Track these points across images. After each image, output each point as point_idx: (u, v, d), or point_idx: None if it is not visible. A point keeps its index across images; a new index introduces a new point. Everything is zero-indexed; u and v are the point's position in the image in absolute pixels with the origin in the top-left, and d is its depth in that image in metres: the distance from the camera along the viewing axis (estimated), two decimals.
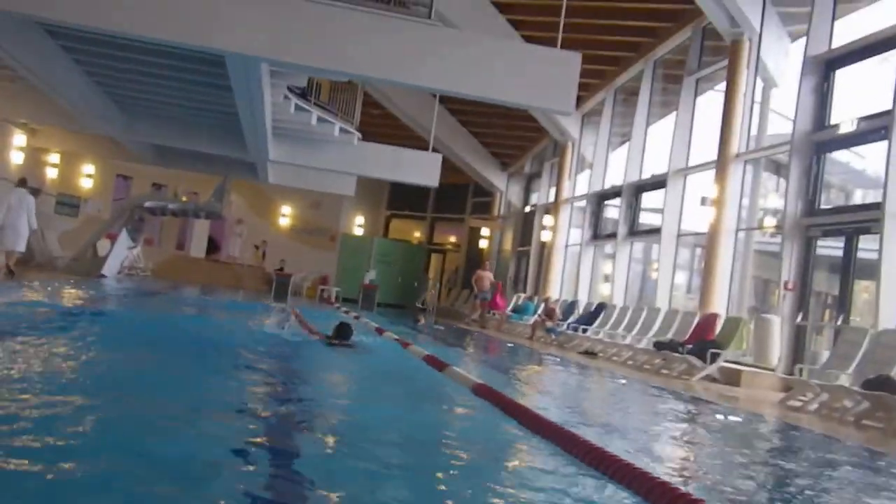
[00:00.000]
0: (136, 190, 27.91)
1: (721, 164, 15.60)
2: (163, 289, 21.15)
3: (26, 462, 3.32)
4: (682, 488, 4.05)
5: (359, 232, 34.13)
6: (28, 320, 8.96)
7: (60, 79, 17.22)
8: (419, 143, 23.85)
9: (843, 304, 12.60)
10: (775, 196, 16.12)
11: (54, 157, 27.08)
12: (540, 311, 20.82)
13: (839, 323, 12.33)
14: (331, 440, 4.89)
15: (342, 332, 10.16)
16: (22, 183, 17.11)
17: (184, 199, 25.09)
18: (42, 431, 3.88)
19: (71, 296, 14.12)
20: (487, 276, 23.58)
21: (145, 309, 14.71)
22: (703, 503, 3.71)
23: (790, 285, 13.32)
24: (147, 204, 22.99)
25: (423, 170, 22.21)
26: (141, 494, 3.24)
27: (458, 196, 32.79)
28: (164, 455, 3.84)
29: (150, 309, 14.91)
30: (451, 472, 4.53)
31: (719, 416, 8.88)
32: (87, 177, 28.72)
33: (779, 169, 15.76)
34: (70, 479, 3.28)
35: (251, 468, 3.96)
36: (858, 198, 15.07)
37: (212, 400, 5.67)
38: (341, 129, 20.71)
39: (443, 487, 4.11)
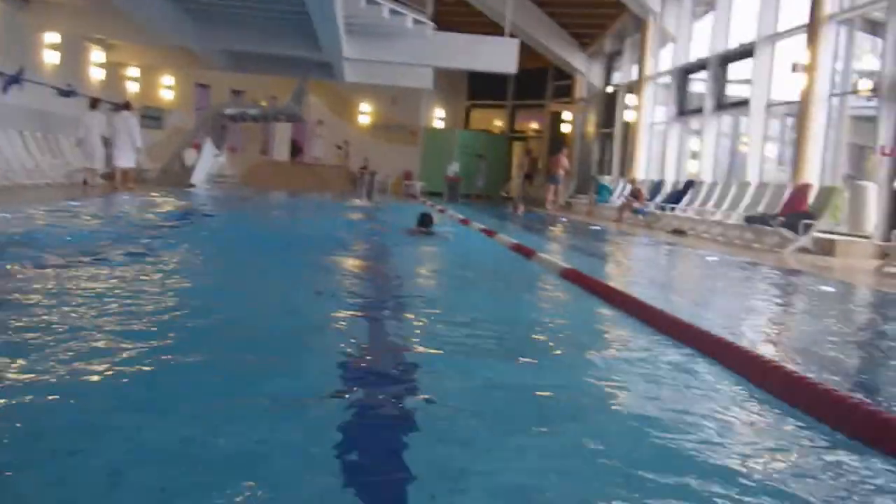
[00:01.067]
0: (216, 98, 28.21)
1: (812, 27, 14.81)
2: (254, 194, 21.62)
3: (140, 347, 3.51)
4: (777, 360, 4.01)
5: (440, 125, 33.92)
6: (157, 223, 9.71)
7: None
8: (495, 30, 23.30)
9: None
10: (871, 57, 15.25)
11: (133, 71, 27.49)
12: (626, 193, 20.57)
13: None
14: (424, 321, 5.10)
15: (424, 222, 10.71)
16: (126, 106, 18.86)
17: (263, 103, 25.27)
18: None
19: (178, 203, 14.80)
20: (562, 161, 23.53)
21: (247, 210, 15.94)
22: (797, 374, 3.69)
23: (887, 150, 12.75)
24: (228, 111, 23.24)
25: (500, 57, 21.75)
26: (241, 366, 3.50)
27: (538, 81, 32.13)
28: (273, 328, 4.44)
29: (252, 210, 16.06)
30: (541, 351, 4.60)
31: (812, 286, 8.69)
32: (167, 88, 29.16)
33: (875, 28, 14.85)
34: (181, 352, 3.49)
35: (349, 341, 4.22)
36: None
37: (308, 286, 6.28)
38: (414, 21, 20.37)
39: (532, 364, 4.18)
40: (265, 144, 31.14)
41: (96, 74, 24.10)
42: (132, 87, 27.16)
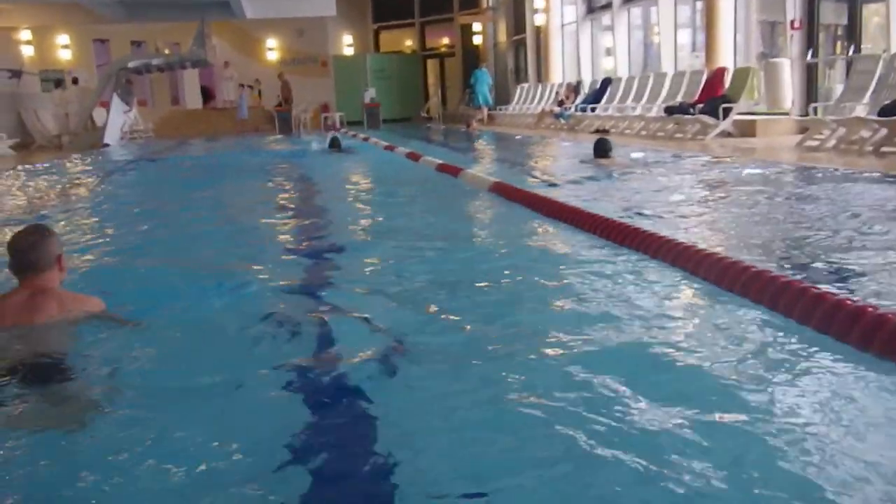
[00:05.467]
0: (116, 52, 27.05)
1: None
2: (171, 145, 21.01)
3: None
4: (710, 249, 4.04)
5: (349, 52, 33.19)
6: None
7: None
8: None
9: (852, 33, 12.17)
10: None
11: (26, 34, 26.16)
12: (553, 98, 20.54)
13: (850, 54, 11.97)
14: (363, 234, 5.75)
15: (334, 143, 14.12)
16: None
17: (166, 52, 24.37)
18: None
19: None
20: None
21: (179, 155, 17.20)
22: (722, 256, 3.71)
23: (797, 24, 12.85)
24: (131, 64, 22.35)
25: None
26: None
27: None
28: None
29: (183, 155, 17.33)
30: (477, 253, 4.71)
31: (736, 170, 8.80)
32: (63, 48, 27.83)
33: None
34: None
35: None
36: None
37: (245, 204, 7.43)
38: None
39: (468, 262, 4.34)
40: (175, 94, 30.14)
41: None
42: (27, 51, 25.86)
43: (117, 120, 21.61)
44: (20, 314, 3.01)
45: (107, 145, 20.17)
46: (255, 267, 4.57)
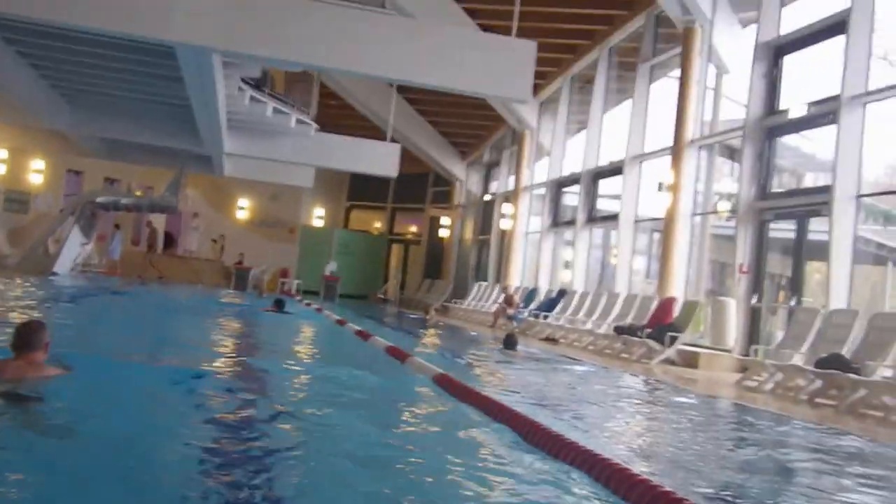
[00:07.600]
0: (88, 185, 27.33)
1: (676, 150, 15.72)
2: (123, 284, 20.83)
3: None
4: (640, 473, 4.07)
5: (319, 223, 33.90)
6: None
7: (4, 72, 16.81)
8: (378, 134, 23.75)
9: (795, 285, 12.80)
10: (730, 180, 16.29)
11: (2, 153, 26.42)
12: (500, 299, 20.90)
13: (792, 304, 12.53)
14: (293, 414, 5.20)
15: (278, 304, 14.93)
16: None
17: (137, 193, 24.67)
18: None
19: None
20: None
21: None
22: (651, 483, 3.74)
23: (745, 268, 13.49)
24: (99, 199, 22.54)
25: (381, 160, 22.09)
26: None
27: (418, 186, 32.65)
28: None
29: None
30: (412, 460, 4.55)
31: (676, 398, 8.96)
32: (36, 172, 28.01)
33: (732, 154, 15.93)
34: None
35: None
36: (809, 181, 15.30)
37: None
38: (298, 121, 20.53)
39: (403, 470, 4.13)
40: (137, 235, 30.23)
41: None
42: None
43: (72, 251, 21.51)
44: (17, 372, 4.62)
45: (55, 274, 19.96)
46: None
